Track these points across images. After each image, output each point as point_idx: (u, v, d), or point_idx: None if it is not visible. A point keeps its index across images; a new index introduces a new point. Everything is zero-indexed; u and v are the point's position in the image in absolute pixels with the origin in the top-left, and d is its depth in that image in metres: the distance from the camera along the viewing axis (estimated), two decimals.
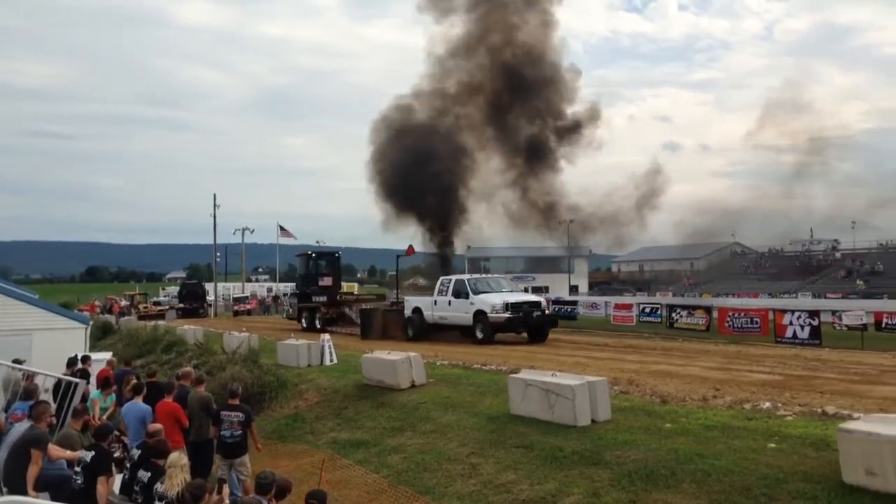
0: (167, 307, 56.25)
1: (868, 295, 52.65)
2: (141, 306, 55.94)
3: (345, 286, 41.94)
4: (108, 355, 17.57)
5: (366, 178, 36.46)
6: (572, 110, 36.47)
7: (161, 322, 38.81)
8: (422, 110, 35.46)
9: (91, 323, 24.59)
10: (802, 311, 25.00)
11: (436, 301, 24.88)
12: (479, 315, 22.80)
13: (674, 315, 29.51)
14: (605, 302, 40.12)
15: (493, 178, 36.21)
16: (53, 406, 11.26)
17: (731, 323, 26.20)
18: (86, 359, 15.44)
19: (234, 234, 65.82)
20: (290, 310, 34.45)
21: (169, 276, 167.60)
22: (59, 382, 13.08)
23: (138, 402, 10.39)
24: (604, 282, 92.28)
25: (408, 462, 10.67)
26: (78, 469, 7.61)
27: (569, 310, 35.33)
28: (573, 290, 71.11)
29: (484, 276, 26.79)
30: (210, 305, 55.97)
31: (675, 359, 17.99)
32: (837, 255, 74.32)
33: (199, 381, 11.19)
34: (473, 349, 20.67)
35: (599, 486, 8.15)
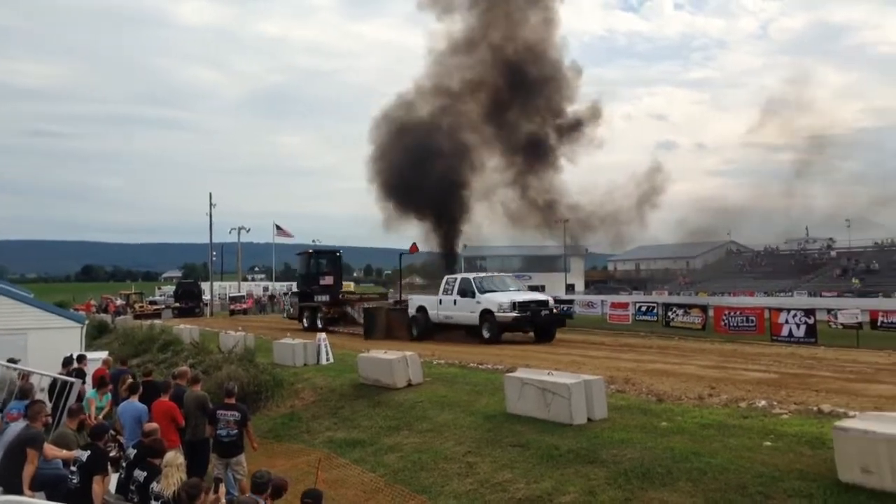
0: (163, 306, 56.17)
1: (863, 293, 52.81)
2: (137, 305, 55.93)
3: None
4: (103, 354, 17.56)
5: (365, 177, 36.30)
6: (573, 109, 36.39)
7: (157, 321, 38.78)
8: (423, 108, 35.35)
9: (87, 322, 24.62)
10: (798, 309, 25.03)
11: (441, 300, 24.57)
12: (486, 314, 22.49)
13: (670, 314, 29.53)
14: (602, 301, 40.18)
15: (492, 176, 36.11)
16: (49, 405, 11.23)
17: (726, 321, 26.23)
18: (81, 358, 15.41)
19: (229, 233, 65.77)
20: (291, 309, 34.14)
21: (165, 275, 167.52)
22: (54, 382, 13.07)
23: (134, 401, 10.37)
24: (600, 280, 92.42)
25: (404, 461, 10.67)
26: (74, 468, 7.61)
27: (565, 308, 35.29)
28: (570, 288, 71.25)
29: (490, 274, 26.24)
30: (206, 305, 55.93)
31: (671, 357, 18.02)
32: (833, 253, 74.50)
33: (195, 381, 11.17)
34: (475, 349, 20.53)
35: (595, 485, 8.16)
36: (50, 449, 7.92)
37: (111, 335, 34.10)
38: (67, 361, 14.77)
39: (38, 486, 7.53)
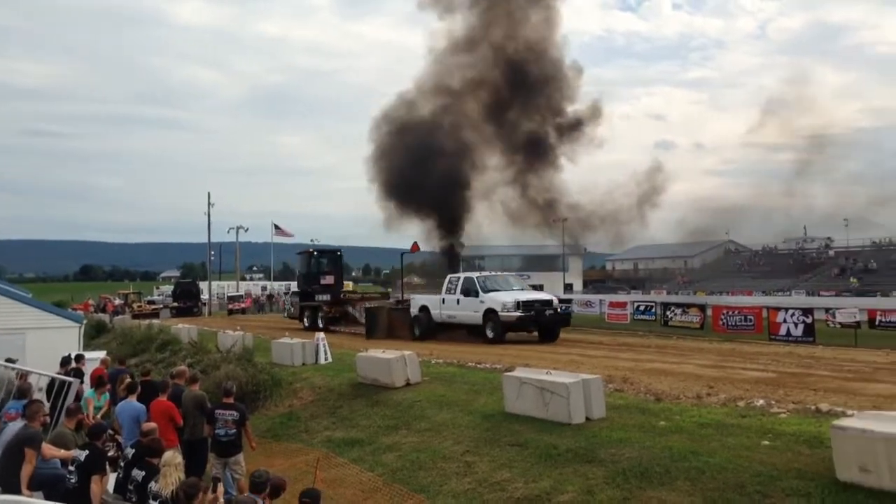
0: (161, 306, 56.16)
1: (861, 292, 52.90)
2: (135, 305, 55.91)
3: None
4: (101, 354, 17.57)
5: (365, 176, 36.07)
6: (573, 108, 36.30)
7: (155, 321, 38.78)
8: (424, 107, 35.25)
9: (85, 322, 24.57)
10: (796, 308, 25.05)
11: (443, 299, 24.36)
12: (490, 314, 22.27)
13: (668, 313, 29.54)
14: (600, 300, 40.20)
15: (492, 175, 35.97)
16: (47, 405, 11.22)
17: (725, 321, 26.23)
18: (79, 358, 15.42)
19: (228, 232, 65.75)
20: (292, 308, 34.01)
21: (163, 274, 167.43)
22: (52, 381, 13.07)
23: (132, 400, 10.37)
24: (598, 280, 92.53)
25: (402, 460, 10.67)
26: (72, 468, 7.61)
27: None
28: (568, 288, 71.31)
29: (493, 273, 25.97)
30: (204, 304, 55.93)
31: (669, 357, 18.03)
32: (831, 252, 74.62)
33: (194, 380, 11.16)
34: (475, 348, 20.47)
35: (594, 484, 8.16)
36: (48, 448, 7.92)
37: (109, 335, 34.11)
38: (65, 361, 14.76)
39: (36, 485, 7.53)
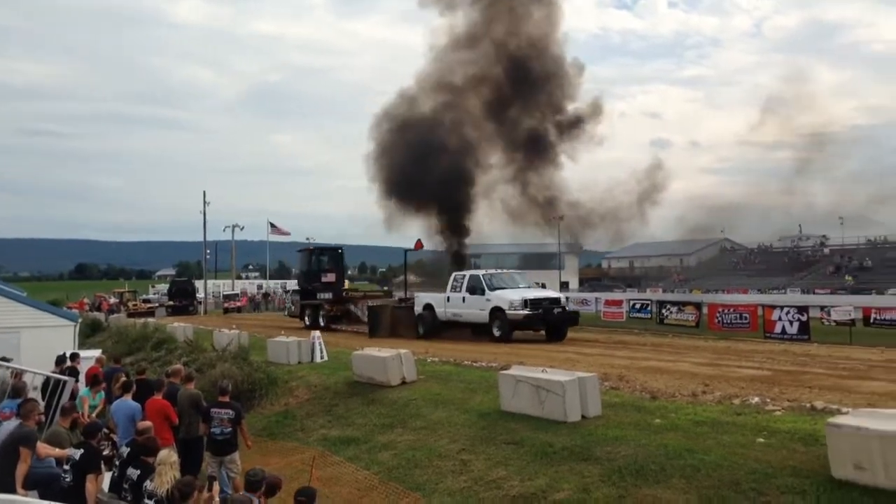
0: (157, 305, 56.03)
1: (856, 290, 53.01)
2: (130, 304, 55.67)
3: None
4: (97, 353, 17.52)
5: (362, 175, 35.94)
6: (574, 106, 36.21)
7: (151, 320, 38.66)
8: (425, 103, 35.10)
9: (80, 320, 24.51)
10: (791, 306, 25.15)
11: (448, 297, 24.07)
12: (497, 312, 22.02)
13: (664, 311, 29.64)
14: (596, 298, 40.28)
15: (492, 173, 35.84)
16: (42, 404, 11.22)
17: (720, 319, 26.31)
18: (74, 356, 15.39)
19: (223, 231, 65.55)
20: (293, 307, 33.67)
21: (158, 273, 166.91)
22: (47, 380, 13.06)
23: (128, 399, 10.35)
24: (594, 278, 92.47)
25: (398, 459, 10.67)
26: (67, 467, 7.59)
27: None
28: (564, 286, 71.25)
29: (499, 271, 25.61)
30: (200, 303, 55.79)
31: (665, 355, 18.06)
32: (826, 251, 74.71)
33: (189, 379, 11.16)
34: (475, 347, 20.37)
35: (589, 482, 8.17)
36: (43, 447, 7.89)
37: (104, 333, 33.99)
38: (60, 360, 14.74)
39: (31, 484, 7.51)
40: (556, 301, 22.94)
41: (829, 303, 32.08)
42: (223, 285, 69.78)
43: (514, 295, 22.12)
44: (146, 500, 6.78)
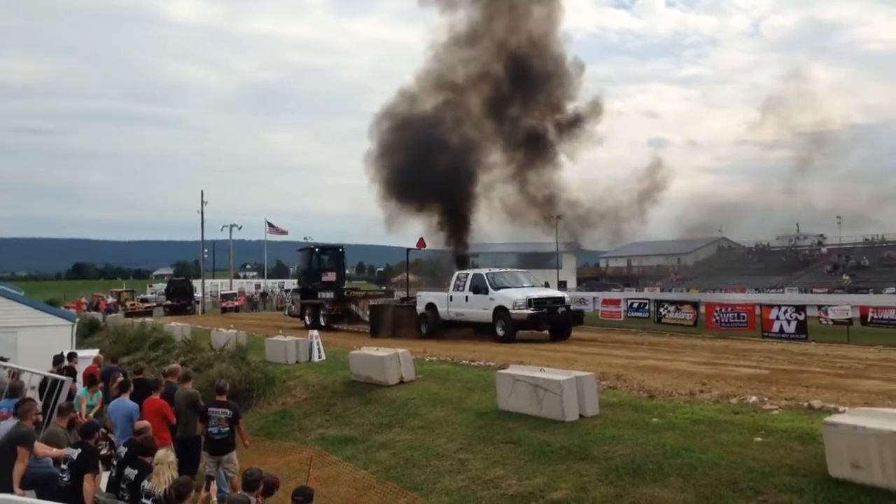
0: (154, 304, 56.06)
1: (854, 289, 53.11)
2: (128, 303, 55.67)
3: None
4: (94, 352, 17.51)
5: (360, 174, 35.79)
6: (574, 105, 36.09)
7: (148, 319, 38.69)
8: (426, 102, 34.98)
9: (77, 320, 24.51)
10: (789, 305, 25.18)
11: (451, 297, 23.82)
12: (500, 311, 21.75)
13: (661, 310, 29.66)
14: (594, 297, 40.27)
15: (492, 171, 35.72)
16: (39, 403, 11.21)
17: (718, 318, 26.33)
18: (72, 356, 15.39)
19: (221, 230, 65.53)
20: (293, 306, 33.37)
21: (156, 272, 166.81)
22: (45, 380, 13.04)
23: (125, 399, 10.34)
24: (592, 277, 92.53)
25: (396, 458, 10.67)
26: (64, 467, 7.59)
27: None
28: (562, 285, 71.26)
29: (502, 270, 25.33)
30: (198, 302, 55.81)
31: (662, 354, 18.07)
32: (823, 250, 74.85)
33: (187, 378, 11.16)
34: (477, 346, 20.28)
35: (587, 481, 8.17)
36: (40, 447, 7.89)
37: (102, 333, 33.89)
38: (58, 359, 14.74)
39: (28, 484, 7.51)
40: (561, 300, 22.73)
41: (826, 302, 32.09)
42: (221, 285, 69.82)
43: (518, 294, 21.88)
44: (144, 500, 6.78)
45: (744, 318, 25.54)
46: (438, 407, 12.37)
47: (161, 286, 75.05)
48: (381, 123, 35.32)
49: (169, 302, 53.67)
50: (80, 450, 7.63)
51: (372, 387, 14.40)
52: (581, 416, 10.18)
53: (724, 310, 26.86)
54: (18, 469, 7.36)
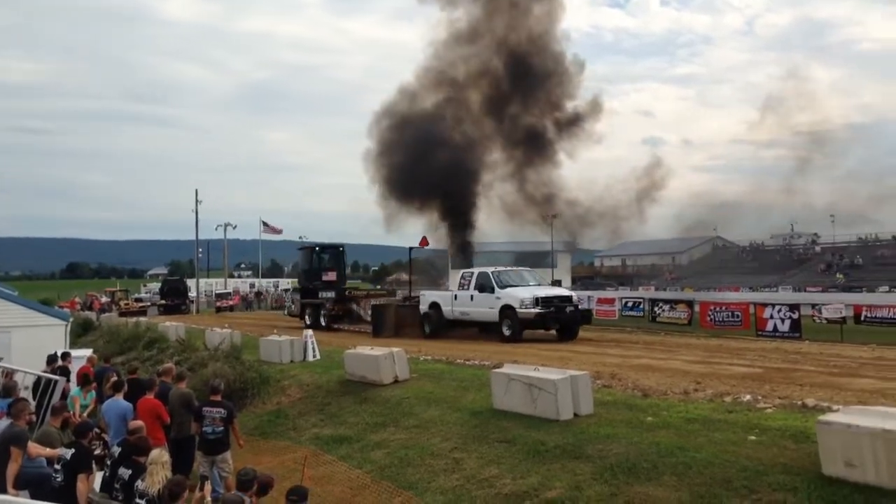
0: (149, 304, 55.96)
1: (847, 288, 53.24)
2: (122, 303, 55.60)
3: None
4: (88, 352, 17.49)
5: (362, 173, 35.53)
6: (573, 104, 36.01)
7: (142, 319, 38.70)
8: (426, 99, 34.87)
9: (71, 320, 24.45)
10: (783, 304, 25.23)
11: (456, 295, 23.44)
12: (507, 310, 21.30)
13: (656, 309, 29.71)
14: (588, 296, 40.23)
15: (491, 170, 35.64)
16: (33, 403, 11.18)
17: (712, 317, 26.36)
18: (66, 356, 15.37)
19: (216, 229, 65.46)
20: (293, 306, 33.01)
21: (150, 272, 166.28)
22: (38, 380, 13.01)
23: (119, 399, 10.33)
24: (587, 276, 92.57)
25: (391, 457, 10.66)
26: (58, 467, 7.57)
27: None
28: (556, 284, 71.24)
29: (508, 268, 24.83)
30: (192, 302, 55.72)
31: (657, 353, 18.08)
32: (817, 249, 75.02)
33: (181, 378, 11.14)
34: (476, 346, 20.12)
35: (581, 480, 8.17)
36: (34, 447, 7.87)
37: (96, 333, 33.93)
38: (52, 359, 14.71)
39: (22, 484, 7.49)
40: (569, 299, 22.34)
41: (820, 301, 32.19)
42: (215, 284, 69.68)
43: (525, 293, 21.45)
44: (137, 500, 6.77)
45: (738, 316, 25.59)
46: (433, 406, 12.37)
47: (155, 286, 74.86)
48: (380, 122, 35.25)
49: (163, 301, 53.60)
50: (73, 450, 7.62)
51: (366, 386, 14.39)
52: (576, 415, 10.19)
53: (718, 309, 26.89)
54: (12, 469, 7.34)
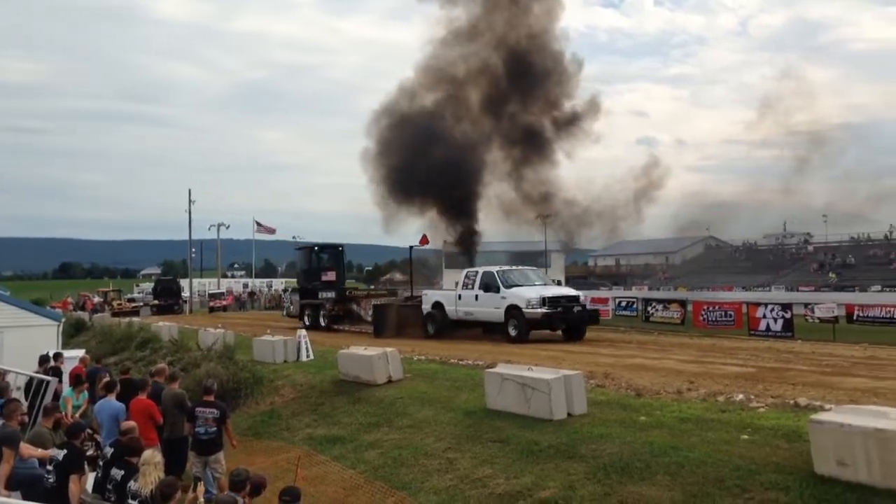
0: (141, 304, 55.79)
1: (840, 287, 53.39)
2: (115, 303, 55.46)
3: None
4: (80, 353, 17.40)
5: (358, 172, 35.31)
6: (572, 103, 35.94)
7: (135, 319, 38.56)
8: (426, 97, 34.74)
9: (63, 320, 24.34)
10: (775, 303, 25.29)
11: (460, 295, 23.02)
12: (513, 310, 20.93)
13: (649, 309, 29.75)
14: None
15: (488, 169, 35.53)
16: (25, 404, 11.13)
17: (705, 316, 26.41)
18: (58, 356, 15.29)
19: (209, 229, 65.31)
20: (292, 307, 32.54)
21: (143, 272, 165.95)
22: (30, 380, 12.96)
23: (111, 399, 10.30)
24: (581, 276, 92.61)
25: (384, 457, 10.66)
26: (50, 468, 7.55)
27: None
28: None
29: (512, 267, 24.44)
30: (185, 302, 55.57)
31: (650, 352, 18.10)
32: (810, 248, 75.21)
33: (173, 378, 11.12)
34: (476, 346, 20.06)
35: (575, 480, 8.18)
36: (26, 448, 7.84)
37: (88, 333, 33.77)
38: (44, 360, 14.64)
39: (14, 485, 7.46)
40: (576, 299, 21.99)
41: (812, 300, 32.30)
42: (209, 284, 69.52)
43: (531, 293, 21.08)
44: (130, 501, 6.75)
45: (731, 316, 25.65)
46: (427, 406, 12.37)
47: (148, 286, 74.70)
48: (379, 120, 35.09)
49: (156, 301, 53.43)
50: (65, 451, 7.59)
51: (360, 386, 14.38)
52: (569, 414, 10.20)
53: (711, 308, 26.95)
54: (3, 470, 7.31)
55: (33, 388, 12.59)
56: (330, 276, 30.61)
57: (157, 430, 9.90)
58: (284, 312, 35.60)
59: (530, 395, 10.38)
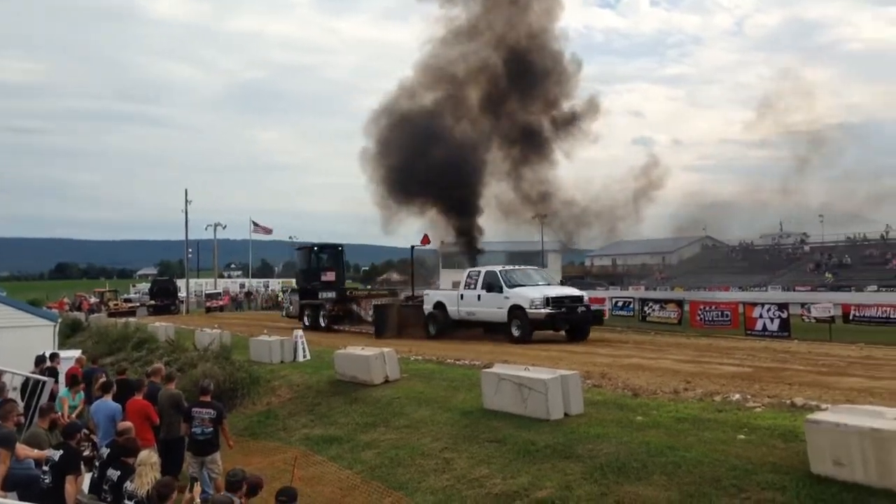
0: (138, 304, 55.67)
1: (836, 287, 53.43)
2: (111, 303, 55.34)
3: None
4: (77, 353, 17.39)
5: (356, 173, 35.57)
6: (571, 103, 35.92)
7: (132, 319, 38.49)
8: (426, 96, 34.69)
9: (59, 320, 24.30)
10: (772, 303, 25.29)
11: (462, 295, 22.82)
12: (516, 311, 20.73)
13: (646, 309, 29.74)
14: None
15: (487, 168, 35.47)
16: (21, 405, 11.12)
17: (702, 316, 26.41)
18: (54, 357, 15.28)
19: (206, 229, 65.25)
20: (291, 307, 32.40)
21: (140, 272, 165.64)
22: (26, 381, 12.94)
23: (108, 399, 10.28)
24: (577, 276, 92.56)
25: (381, 458, 10.66)
26: (46, 468, 7.54)
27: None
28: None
29: (515, 267, 24.25)
30: (182, 302, 55.51)
31: (647, 352, 18.11)
32: (806, 248, 75.31)
33: (170, 378, 11.10)
34: (474, 346, 19.98)
35: (572, 480, 8.19)
36: (22, 449, 7.83)
37: (85, 333, 33.77)
38: (40, 360, 14.63)
39: (10, 486, 7.45)
40: (580, 299, 21.78)
41: (809, 300, 32.30)
42: (205, 284, 69.39)
43: (534, 293, 20.87)
44: (126, 502, 6.75)
45: (727, 316, 25.65)
46: (423, 406, 12.37)
47: (145, 286, 74.52)
48: (379, 120, 35.03)
49: (153, 302, 53.34)
50: (61, 451, 7.58)
51: (357, 386, 14.37)
52: (566, 414, 10.21)
53: (707, 308, 26.94)
54: (0, 471, 7.30)
55: (29, 389, 12.57)
56: (330, 276, 30.47)
57: (153, 430, 9.88)
58: (284, 313, 35.48)
59: (527, 395, 10.38)
